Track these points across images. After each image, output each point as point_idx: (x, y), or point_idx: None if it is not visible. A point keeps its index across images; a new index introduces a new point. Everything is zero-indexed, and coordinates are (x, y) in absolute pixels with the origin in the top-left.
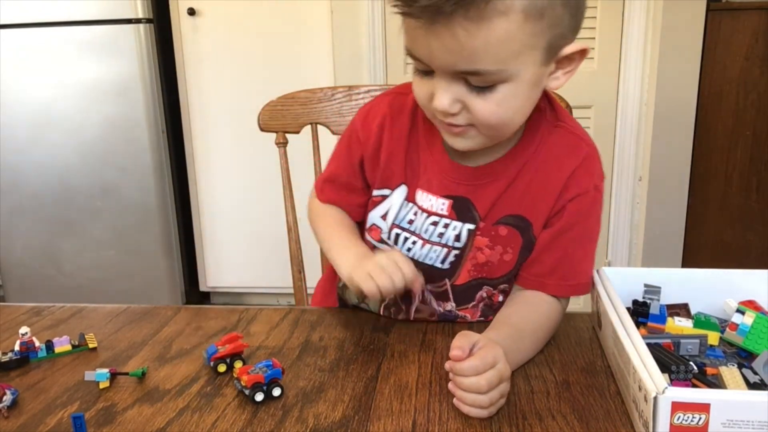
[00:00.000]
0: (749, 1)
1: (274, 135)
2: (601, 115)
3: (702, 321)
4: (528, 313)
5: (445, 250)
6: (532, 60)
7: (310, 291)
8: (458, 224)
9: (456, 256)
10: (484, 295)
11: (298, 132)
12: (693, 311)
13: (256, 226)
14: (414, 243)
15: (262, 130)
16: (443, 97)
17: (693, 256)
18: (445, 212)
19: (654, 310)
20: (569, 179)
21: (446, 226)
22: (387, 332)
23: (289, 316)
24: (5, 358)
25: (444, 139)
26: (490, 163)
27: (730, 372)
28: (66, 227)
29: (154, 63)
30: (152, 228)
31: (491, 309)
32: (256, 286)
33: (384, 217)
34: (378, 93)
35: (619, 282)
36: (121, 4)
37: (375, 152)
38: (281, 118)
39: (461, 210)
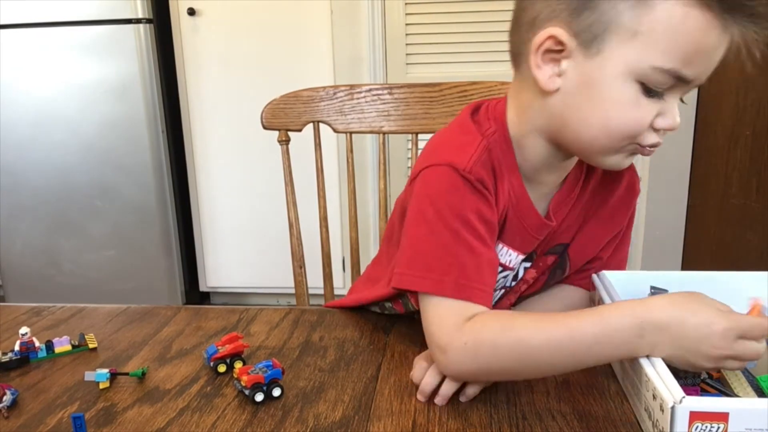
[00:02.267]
0: None
1: (273, 136)
2: None
3: None
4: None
5: (502, 291)
6: None
7: (311, 288)
8: (521, 268)
9: (503, 293)
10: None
11: (300, 130)
12: None
13: (256, 226)
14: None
15: (265, 127)
16: (677, 114)
17: (693, 257)
18: (519, 262)
19: None
20: (628, 190)
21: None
22: (387, 332)
23: (289, 316)
24: (5, 358)
25: (603, 165)
26: (557, 216)
27: (735, 375)
28: (66, 227)
29: (154, 63)
30: (152, 228)
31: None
32: (256, 286)
33: None
34: (380, 92)
35: (620, 285)
36: (121, 4)
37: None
38: (284, 116)
39: (528, 259)
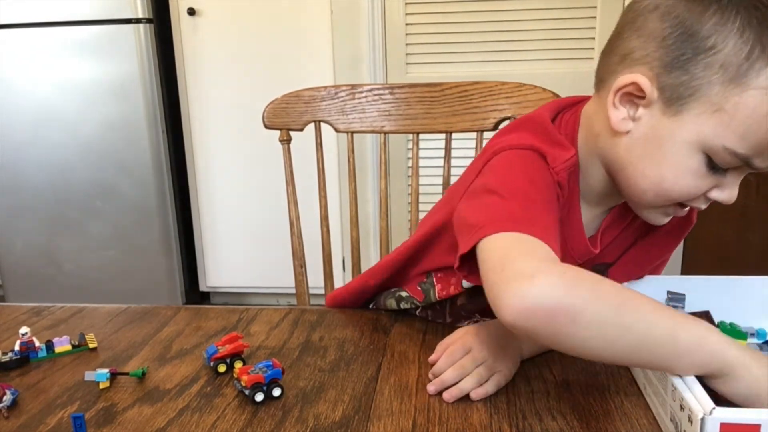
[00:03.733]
0: None
1: (273, 136)
2: None
3: (728, 329)
4: None
5: None
6: None
7: (312, 287)
8: None
9: None
10: None
11: (301, 129)
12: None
13: (255, 226)
14: None
15: (266, 127)
16: (735, 191)
17: (693, 256)
18: None
19: None
20: (683, 219)
21: None
22: (387, 332)
23: (289, 316)
24: (5, 358)
25: (646, 218)
26: (603, 242)
27: None
28: (66, 227)
29: (154, 63)
30: (152, 228)
31: None
32: (256, 286)
33: None
34: (381, 92)
35: (635, 289)
36: (121, 4)
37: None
38: (285, 116)
39: None
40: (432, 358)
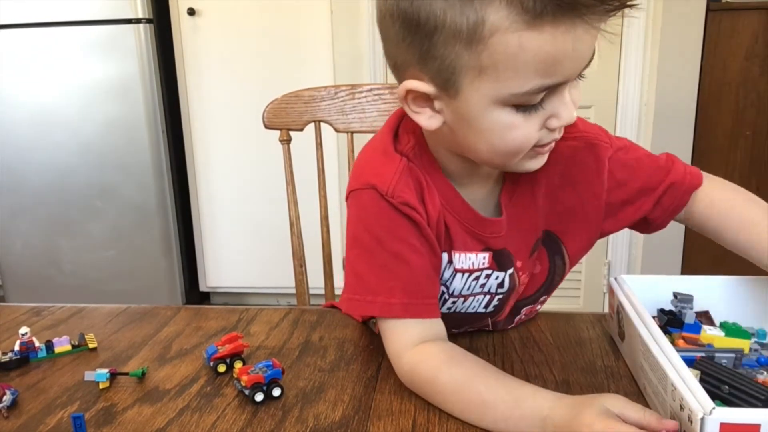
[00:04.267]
0: (749, 1)
1: (272, 136)
2: (601, 115)
3: (733, 329)
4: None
5: (488, 296)
6: None
7: (312, 287)
8: (500, 274)
9: (500, 299)
10: (523, 316)
11: (301, 129)
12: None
13: (255, 226)
14: (454, 302)
15: (266, 127)
16: (569, 109)
17: (693, 257)
18: (486, 264)
19: (689, 319)
20: (597, 176)
21: (488, 276)
22: None
23: (289, 316)
24: (5, 358)
25: (519, 170)
26: (517, 209)
27: None
28: (66, 227)
29: (154, 63)
30: (152, 228)
31: (529, 320)
32: (256, 286)
33: None
34: (381, 92)
35: (642, 291)
36: (121, 4)
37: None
38: (285, 116)
39: (501, 260)
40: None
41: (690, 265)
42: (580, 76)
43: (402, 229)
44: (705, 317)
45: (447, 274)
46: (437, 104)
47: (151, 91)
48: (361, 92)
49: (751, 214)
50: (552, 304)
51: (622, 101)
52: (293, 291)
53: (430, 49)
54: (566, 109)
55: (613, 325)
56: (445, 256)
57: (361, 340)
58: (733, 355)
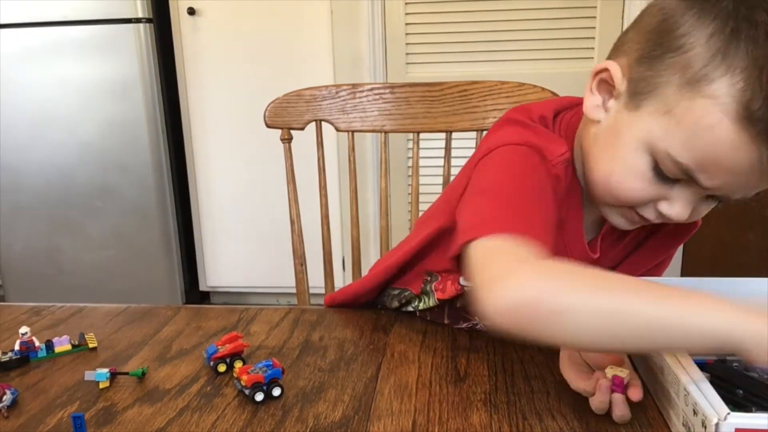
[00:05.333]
0: None
1: (272, 136)
2: None
3: None
4: None
5: None
6: None
7: (312, 287)
8: None
9: None
10: None
11: (302, 129)
12: None
13: (255, 225)
14: None
15: (267, 126)
16: (686, 210)
17: (693, 256)
18: None
19: None
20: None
21: None
22: (387, 332)
23: (289, 316)
24: (5, 358)
25: (608, 218)
26: (607, 244)
27: None
28: (66, 227)
29: (154, 63)
30: (152, 228)
31: None
32: (256, 285)
33: None
34: (382, 92)
35: None
36: (121, 4)
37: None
38: (286, 115)
39: None
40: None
41: (690, 265)
42: (721, 200)
43: (550, 189)
44: None
45: None
46: (612, 103)
47: (151, 91)
48: (362, 92)
49: None
50: None
51: None
52: (293, 291)
53: (656, 58)
54: (683, 208)
55: None
56: None
57: (361, 340)
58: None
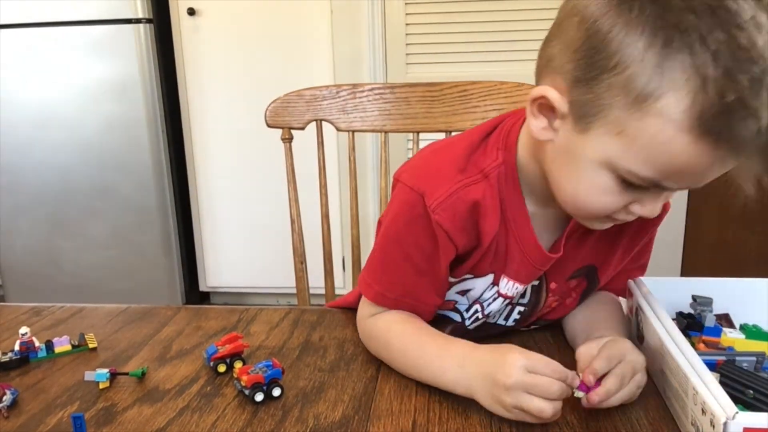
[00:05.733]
0: None
1: (272, 136)
2: None
3: (753, 331)
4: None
5: (510, 307)
6: None
7: (312, 286)
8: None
9: (521, 313)
10: (536, 326)
11: (303, 128)
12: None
13: (255, 226)
14: (479, 318)
15: (268, 125)
16: (657, 206)
17: (693, 256)
18: (521, 291)
19: (709, 322)
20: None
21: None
22: None
23: (289, 316)
24: (5, 358)
25: (583, 223)
26: (573, 243)
27: None
28: (66, 227)
29: (154, 63)
30: (152, 228)
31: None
32: (256, 286)
33: (463, 293)
34: (382, 92)
35: (659, 293)
36: (121, 4)
37: (469, 251)
38: (287, 115)
39: (538, 283)
40: (589, 378)
41: (690, 265)
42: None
43: (428, 243)
44: (725, 320)
45: (488, 295)
46: (559, 123)
47: (151, 91)
48: (362, 92)
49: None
50: None
51: None
52: (293, 291)
53: (593, 80)
54: (655, 206)
55: (630, 327)
56: (490, 277)
57: (362, 340)
58: (754, 358)
